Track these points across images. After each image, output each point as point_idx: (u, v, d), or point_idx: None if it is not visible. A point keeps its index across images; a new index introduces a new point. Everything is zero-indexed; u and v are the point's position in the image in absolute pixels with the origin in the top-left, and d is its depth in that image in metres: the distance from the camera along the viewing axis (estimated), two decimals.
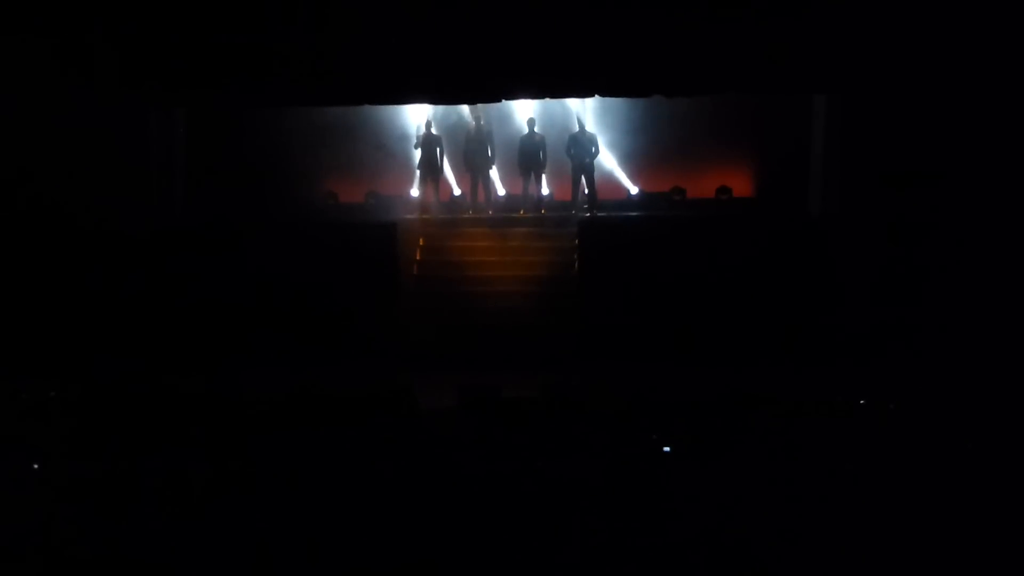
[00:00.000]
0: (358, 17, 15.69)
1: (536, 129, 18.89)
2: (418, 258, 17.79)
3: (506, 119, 19.79)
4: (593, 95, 17.20)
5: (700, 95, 17.15)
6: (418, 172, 19.02)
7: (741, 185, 19.80)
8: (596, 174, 18.85)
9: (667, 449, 9.25)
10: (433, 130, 18.91)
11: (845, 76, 15.76)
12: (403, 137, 19.48)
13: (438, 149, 18.83)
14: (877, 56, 15.36)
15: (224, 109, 18.38)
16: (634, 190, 19.97)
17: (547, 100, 19.54)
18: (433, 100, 17.67)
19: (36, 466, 8.71)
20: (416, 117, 19.30)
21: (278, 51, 15.78)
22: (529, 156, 18.80)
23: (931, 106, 15.67)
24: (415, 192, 19.42)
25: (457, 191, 19.98)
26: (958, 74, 15.46)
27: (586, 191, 18.72)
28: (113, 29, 15.73)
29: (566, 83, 16.20)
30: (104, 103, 16.15)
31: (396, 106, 19.24)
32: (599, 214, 18.38)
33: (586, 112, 19.41)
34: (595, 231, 17.04)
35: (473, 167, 19.06)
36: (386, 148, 19.57)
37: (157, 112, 17.47)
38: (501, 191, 19.83)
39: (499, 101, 17.20)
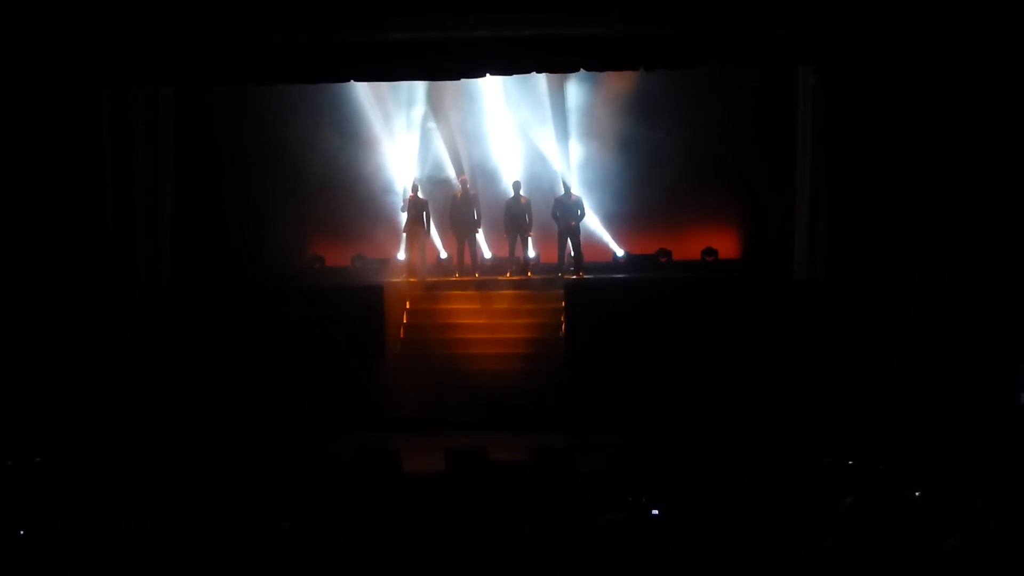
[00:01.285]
0: None
1: (522, 192, 18.98)
2: (405, 321, 17.80)
3: (492, 182, 19.92)
4: (577, 69, 17.30)
5: (682, 68, 17.27)
6: (404, 235, 19.08)
7: (727, 247, 19.91)
8: (582, 236, 18.92)
9: (655, 512, 9.21)
10: (420, 193, 18.98)
11: (827, 47, 15.89)
12: (387, 191, 19.62)
13: (424, 212, 18.89)
14: (861, 27, 15.39)
15: (207, 86, 18.46)
16: (620, 252, 20.04)
17: (533, 163, 19.76)
18: (417, 76, 17.78)
19: (22, 532, 8.63)
20: (402, 178, 19.45)
21: (261, 25, 15.75)
22: (515, 219, 18.87)
23: (917, 165, 15.80)
24: (402, 255, 19.47)
25: (444, 254, 20.04)
26: (945, 129, 15.61)
27: (572, 253, 18.78)
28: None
29: (548, 56, 16.29)
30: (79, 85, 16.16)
31: (380, 162, 19.60)
32: (585, 276, 18.43)
33: (571, 175, 19.54)
34: (581, 293, 17.08)
35: (459, 230, 19.12)
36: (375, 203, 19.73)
37: (144, 176, 17.51)
38: (487, 254, 19.89)
39: (483, 76, 17.25)
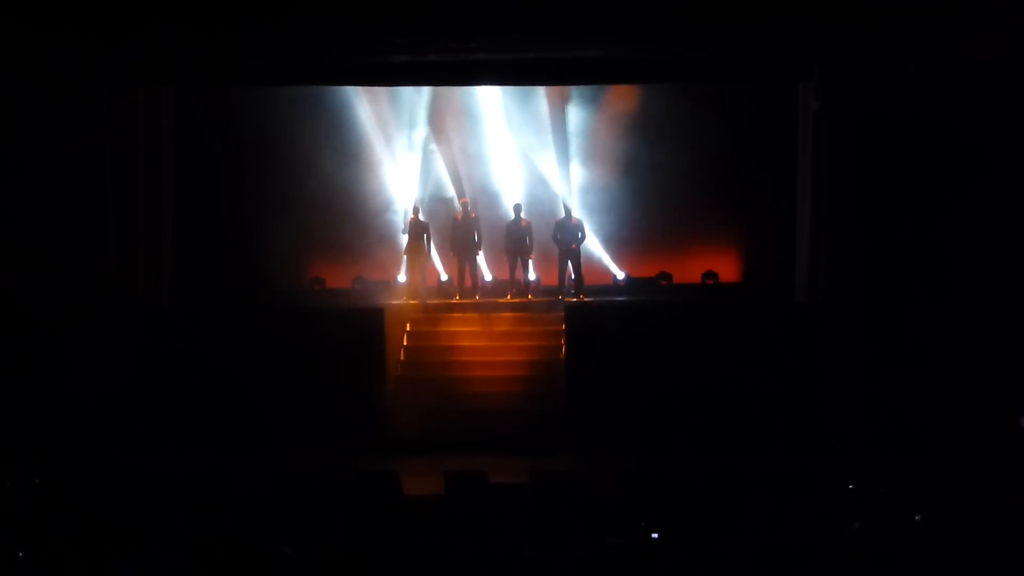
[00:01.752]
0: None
1: (522, 214, 18.99)
2: (405, 343, 17.77)
3: (493, 204, 19.95)
4: (576, 84, 17.36)
5: (680, 82, 17.36)
6: (405, 257, 19.07)
7: (727, 270, 19.90)
8: (582, 259, 18.92)
9: (655, 535, 9.20)
10: (421, 216, 19.00)
11: (828, 61, 15.99)
12: (388, 210, 19.68)
13: (425, 234, 18.90)
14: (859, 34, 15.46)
15: (209, 85, 18.51)
16: (621, 275, 20.05)
17: (534, 185, 19.83)
18: (416, 82, 18.03)
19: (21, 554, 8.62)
20: (403, 199, 19.49)
21: (263, 45, 15.88)
22: (516, 241, 18.88)
23: (919, 186, 15.80)
24: (402, 277, 19.47)
25: (444, 276, 20.04)
26: (948, 150, 15.62)
27: (572, 276, 18.78)
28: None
29: (548, 69, 16.45)
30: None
31: (381, 184, 19.75)
32: (586, 299, 18.41)
33: (572, 198, 19.57)
34: (582, 316, 17.04)
35: (460, 252, 19.13)
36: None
37: (145, 198, 17.55)
38: (488, 276, 19.89)
39: (482, 84, 17.40)
